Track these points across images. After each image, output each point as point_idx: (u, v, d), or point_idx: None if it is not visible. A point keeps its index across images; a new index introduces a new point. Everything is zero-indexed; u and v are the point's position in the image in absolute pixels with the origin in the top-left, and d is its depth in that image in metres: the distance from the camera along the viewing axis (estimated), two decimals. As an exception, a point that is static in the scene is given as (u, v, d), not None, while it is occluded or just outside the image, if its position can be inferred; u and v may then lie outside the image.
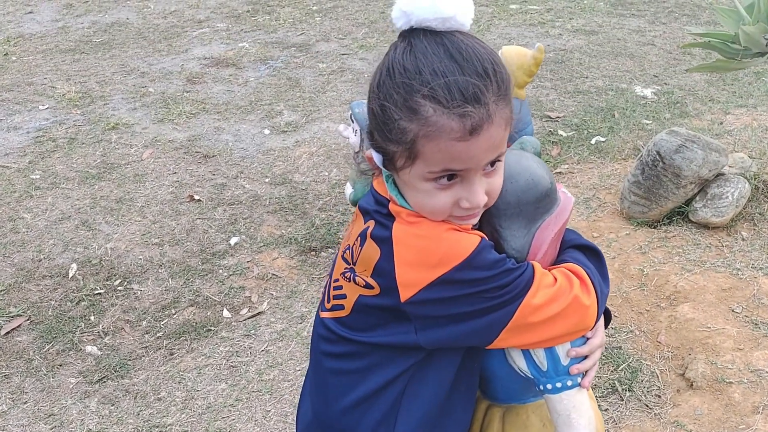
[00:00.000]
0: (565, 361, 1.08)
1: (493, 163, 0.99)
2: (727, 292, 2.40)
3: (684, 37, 5.19)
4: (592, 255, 1.13)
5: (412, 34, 0.97)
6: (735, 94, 4.25)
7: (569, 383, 1.09)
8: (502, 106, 0.95)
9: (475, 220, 1.05)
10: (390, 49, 0.99)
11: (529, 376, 1.12)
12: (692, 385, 2.10)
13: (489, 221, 1.09)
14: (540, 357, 1.09)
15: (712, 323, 2.27)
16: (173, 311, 2.75)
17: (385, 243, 1.02)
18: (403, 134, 0.94)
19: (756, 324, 2.25)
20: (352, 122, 2.76)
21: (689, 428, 1.98)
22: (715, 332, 2.24)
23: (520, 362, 1.12)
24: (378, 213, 1.06)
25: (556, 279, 1.04)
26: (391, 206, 1.05)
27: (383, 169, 1.04)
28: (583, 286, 1.05)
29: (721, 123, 3.87)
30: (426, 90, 0.92)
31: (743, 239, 2.64)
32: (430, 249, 1.00)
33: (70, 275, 2.93)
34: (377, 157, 1.03)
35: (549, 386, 1.10)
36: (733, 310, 2.32)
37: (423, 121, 0.93)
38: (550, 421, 1.25)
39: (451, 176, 0.96)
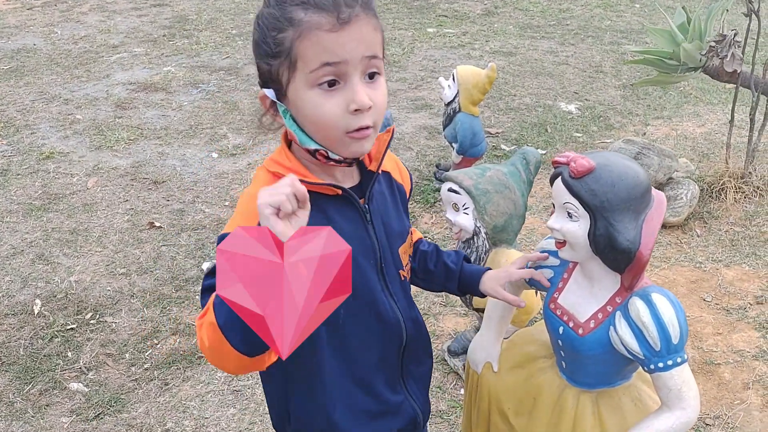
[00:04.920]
0: (675, 340, 1.19)
1: (372, 76, 1.04)
2: (695, 283, 2.63)
3: (593, 57, 5.59)
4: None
5: None
6: (650, 107, 4.64)
7: (679, 360, 1.20)
8: (370, 13, 1.02)
9: (368, 144, 1.07)
10: None
11: (641, 357, 1.21)
12: (684, 369, 2.29)
13: (603, 216, 1.18)
14: (654, 338, 1.19)
15: (689, 312, 2.49)
16: (156, 341, 2.66)
17: None
18: (281, 44, 1.00)
19: (728, 310, 2.49)
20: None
21: (690, 408, 2.16)
22: (694, 320, 2.45)
23: (632, 345, 1.21)
24: None
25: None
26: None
27: (279, 103, 1.06)
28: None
29: (644, 134, 4.21)
30: None
31: (698, 236, 2.90)
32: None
33: (36, 312, 2.77)
34: (269, 92, 1.07)
35: (661, 364, 1.20)
36: (704, 300, 2.55)
37: (296, 24, 0.99)
38: (640, 400, 1.36)
39: (332, 83, 1.01)
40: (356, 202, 1.12)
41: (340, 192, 1.10)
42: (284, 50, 1.00)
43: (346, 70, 1.00)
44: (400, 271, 1.21)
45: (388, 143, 1.16)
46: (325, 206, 1.09)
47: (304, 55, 0.99)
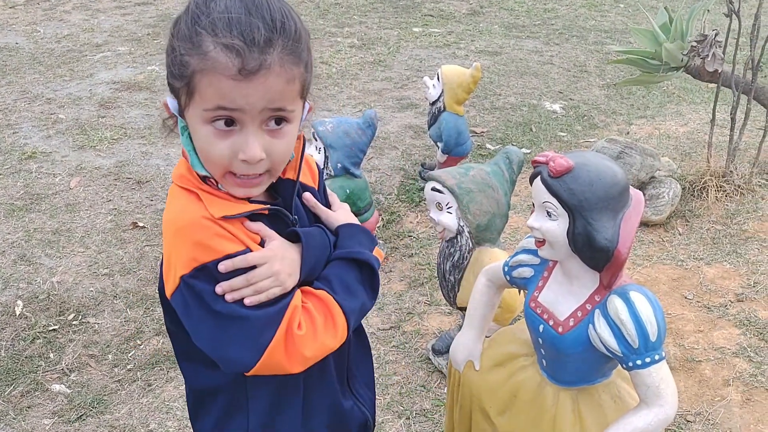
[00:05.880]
0: (653, 338, 1.20)
1: (278, 121, 0.96)
2: (677, 281, 2.65)
3: (578, 56, 5.62)
4: (357, 269, 1.07)
5: None
6: (633, 107, 4.67)
7: (656, 357, 1.21)
8: (289, 61, 0.93)
9: (257, 190, 1.01)
10: None
11: (619, 354, 1.22)
12: (666, 366, 2.31)
13: (581, 214, 1.19)
14: (632, 335, 1.20)
15: (671, 310, 2.51)
16: (139, 342, 2.64)
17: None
18: (184, 68, 0.92)
19: (709, 308, 2.51)
20: (316, 140, 2.80)
21: (671, 405, 2.18)
22: (675, 318, 2.47)
23: (611, 342, 1.22)
24: None
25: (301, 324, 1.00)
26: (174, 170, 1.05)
27: (180, 118, 1.00)
28: (328, 324, 1.02)
29: (628, 133, 4.24)
30: (208, 23, 0.91)
31: (680, 234, 2.93)
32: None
33: (18, 313, 2.74)
34: (171, 103, 1.00)
35: (639, 362, 1.21)
36: (686, 297, 2.57)
37: (202, 55, 0.91)
38: (619, 398, 1.37)
39: (229, 122, 0.93)
40: (286, 217, 1.05)
41: (267, 212, 1.02)
42: (185, 76, 0.93)
43: (242, 117, 0.93)
44: None
45: (302, 151, 1.09)
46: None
47: (201, 91, 0.92)
